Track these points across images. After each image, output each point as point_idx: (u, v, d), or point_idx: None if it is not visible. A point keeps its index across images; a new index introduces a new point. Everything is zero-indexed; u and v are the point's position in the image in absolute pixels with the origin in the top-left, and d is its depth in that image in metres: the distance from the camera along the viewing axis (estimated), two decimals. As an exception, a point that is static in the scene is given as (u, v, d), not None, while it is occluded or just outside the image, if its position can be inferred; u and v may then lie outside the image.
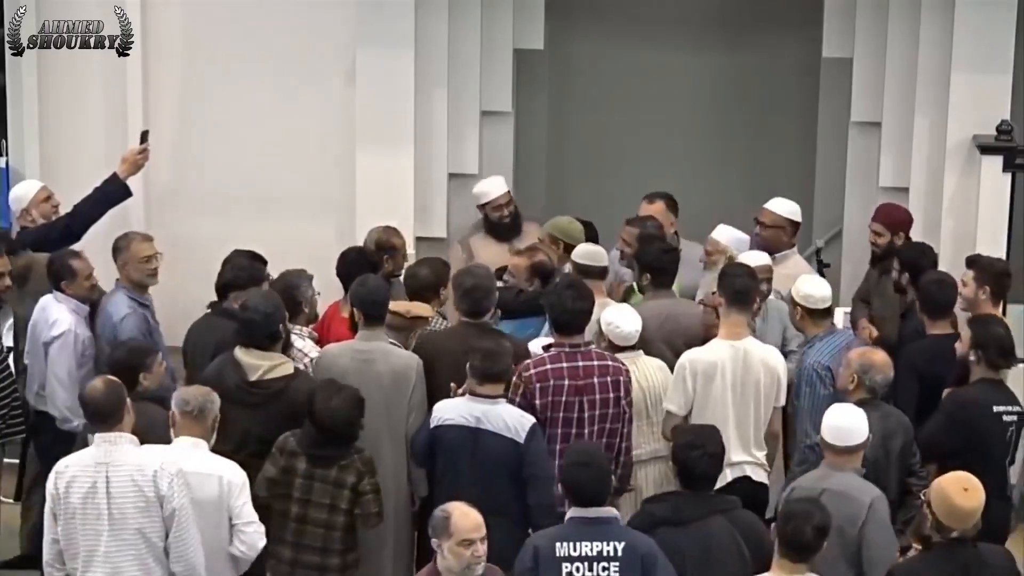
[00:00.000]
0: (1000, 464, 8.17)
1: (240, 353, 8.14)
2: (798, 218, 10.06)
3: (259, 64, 10.87)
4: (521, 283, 9.19)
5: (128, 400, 7.28)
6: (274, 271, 9.14)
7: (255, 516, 7.46)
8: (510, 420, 7.72)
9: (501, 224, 10.42)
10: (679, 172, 12.27)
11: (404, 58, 10.59)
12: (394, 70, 10.58)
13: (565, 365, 8.08)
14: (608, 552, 6.82)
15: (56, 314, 9.01)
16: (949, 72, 10.32)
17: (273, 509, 7.87)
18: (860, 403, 7.93)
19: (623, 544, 6.85)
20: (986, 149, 10.21)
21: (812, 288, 8.86)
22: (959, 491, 6.77)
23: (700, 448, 7.31)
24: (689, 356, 8.31)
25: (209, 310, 8.98)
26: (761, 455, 8.37)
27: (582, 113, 12.44)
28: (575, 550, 6.83)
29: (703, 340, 8.61)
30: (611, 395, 8.08)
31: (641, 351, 8.55)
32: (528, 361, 8.14)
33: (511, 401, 7.94)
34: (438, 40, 10.73)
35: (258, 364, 8.13)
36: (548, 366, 8.06)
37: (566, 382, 8.03)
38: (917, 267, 9.33)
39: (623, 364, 8.24)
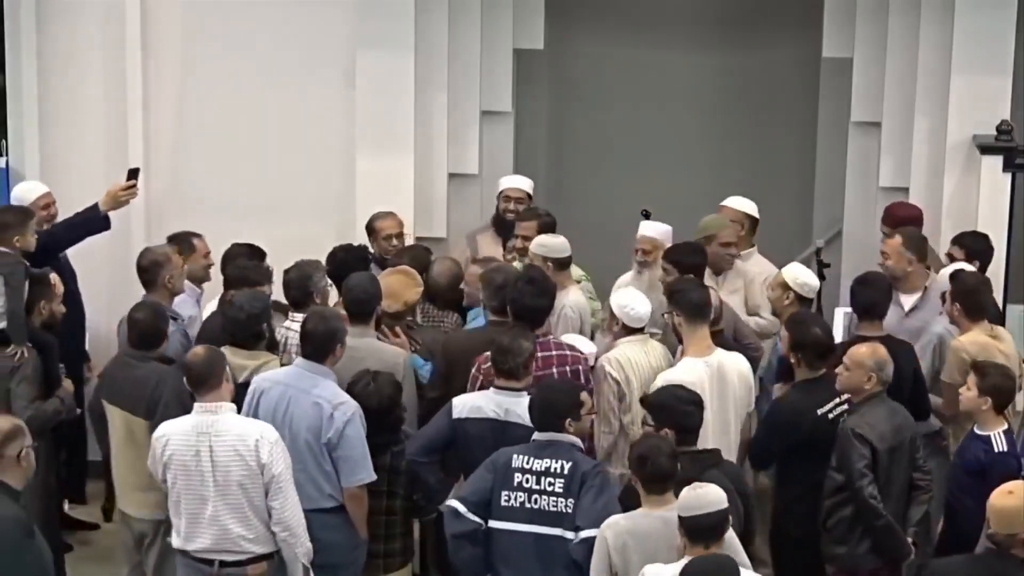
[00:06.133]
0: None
1: (228, 353, 8.17)
2: (756, 213, 10.21)
3: (259, 65, 10.86)
4: (477, 293, 9.07)
5: (228, 371, 7.61)
6: (274, 273, 9.21)
7: None
8: None
9: (504, 219, 10.49)
10: (679, 172, 12.31)
11: (404, 59, 10.59)
12: (394, 71, 10.59)
13: None
14: (555, 469, 7.35)
15: None
16: (949, 72, 10.33)
17: None
18: (871, 397, 8.02)
19: (570, 464, 7.35)
20: (986, 149, 10.22)
21: (809, 277, 9.13)
22: (1003, 494, 6.87)
23: (694, 403, 7.56)
24: (667, 377, 8.19)
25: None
26: None
27: (582, 113, 12.46)
28: (528, 463, 7.38)
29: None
30: None
31: (648, 335, 8.64)
32: (487, 353, 8.17)
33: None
34: (438, 41, 10.73)
35: (245, 364, 8.23)
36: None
37: None
38: (983, 255, 9.56)
39: (582, 353, 8.38)
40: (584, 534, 7.20)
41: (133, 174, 9.99)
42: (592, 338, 9.18)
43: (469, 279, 9.31)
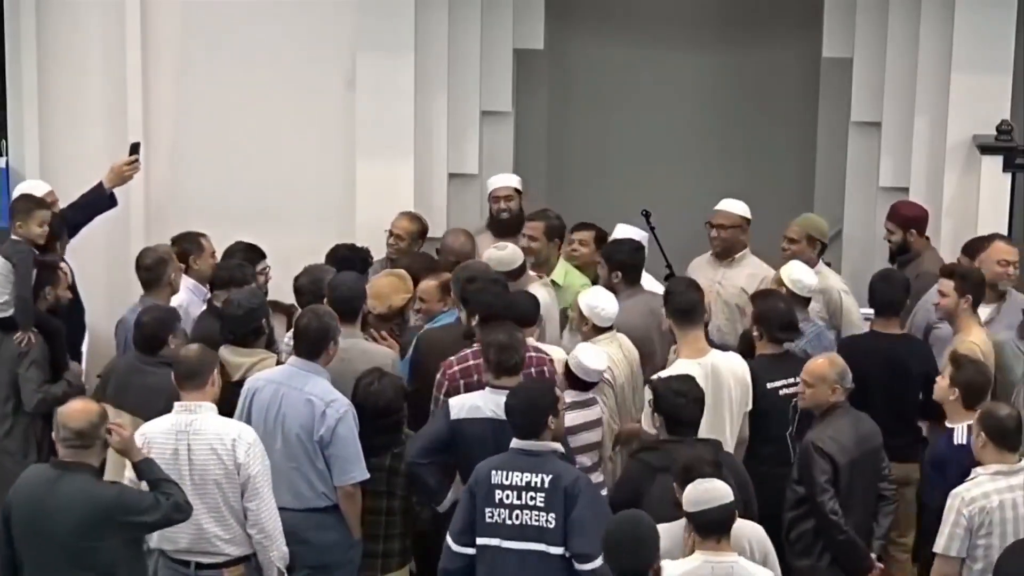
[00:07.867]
0: (780, 434, 8.31)
1: (225, 352, 8.20)
2: (749, 215, 10.01)
3: (259, 67, 10.86)
4: (434, 306, 9.01)
5: (215, 375, 7.56)
6: (275, 274, 9.21)
7: None
8: None
9: (499, 219, 10.44)
10: (679, 172, 12.30)
11: (404, 59, 10.60)
12: (394, 71, 10.59)
13: None
14: (536, 483, 7.24)
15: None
16: (949, 72, 10.33)
17: None
18: (834, 407, 7.97)
19: (550, 477, 7.23)
20: (986, 149, 10.22)
21: (803, 275, 9.06)
22: None
23: (685, 396, 7.56)
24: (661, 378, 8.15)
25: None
26: None
27: (582, 113, 12.46)
28: (507, 479, 7.28)
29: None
30: None
31: (616, 331, 8.68)
32: (452, 358, 8.18)
33: (435, 399, 8.08)
34: (438, 41, 10.73)
35: (240, 362, 8.22)
36: (471, 362, 8.11)
37: None
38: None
39: (547, 354, 8.34)
40: (594, 565, 7.07)
41: (135, 148, 10.06)
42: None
43: (424, 294, 9.13)
